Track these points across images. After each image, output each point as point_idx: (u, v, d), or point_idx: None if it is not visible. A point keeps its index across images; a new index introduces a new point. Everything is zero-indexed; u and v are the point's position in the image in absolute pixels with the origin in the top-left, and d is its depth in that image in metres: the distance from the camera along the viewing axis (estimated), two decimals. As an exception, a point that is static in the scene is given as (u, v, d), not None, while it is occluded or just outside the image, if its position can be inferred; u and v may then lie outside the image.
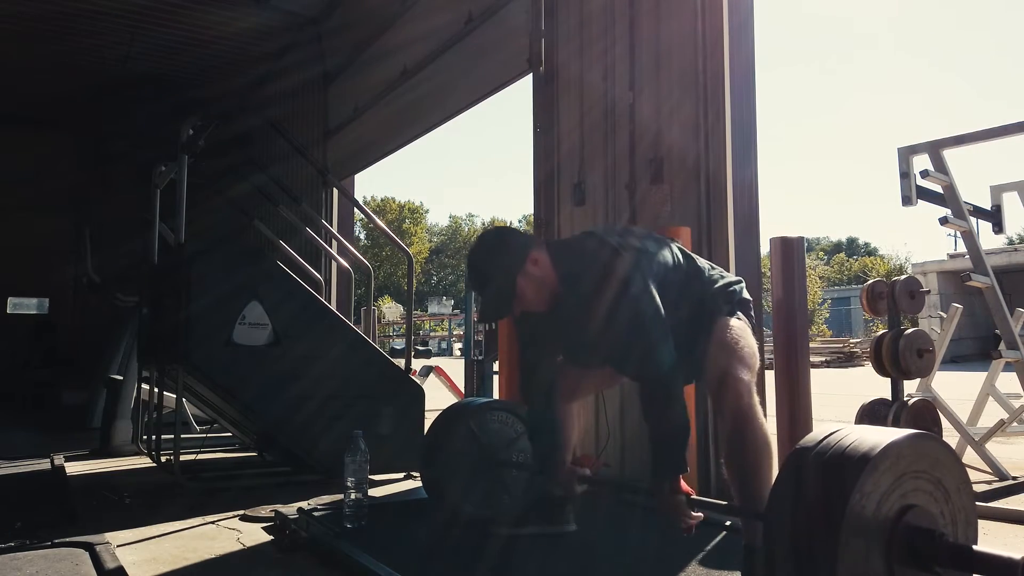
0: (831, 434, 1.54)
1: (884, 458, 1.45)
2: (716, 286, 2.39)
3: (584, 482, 2.51)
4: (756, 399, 2.16)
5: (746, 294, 2.44)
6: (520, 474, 2.91)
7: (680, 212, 3.71)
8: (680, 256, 2.41)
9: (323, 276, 6.94)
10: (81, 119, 10.21)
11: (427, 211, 62.15)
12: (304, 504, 3.05)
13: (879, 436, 1.50)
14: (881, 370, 3.62)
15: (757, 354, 2.29)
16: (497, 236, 2.43)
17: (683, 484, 2.15)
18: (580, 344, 2.41)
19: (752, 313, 2.44)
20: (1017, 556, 1.37)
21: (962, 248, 15.83)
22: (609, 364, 2.46)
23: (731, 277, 2.47)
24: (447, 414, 2.96)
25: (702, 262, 2.47)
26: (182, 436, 3.99)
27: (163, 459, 4.28)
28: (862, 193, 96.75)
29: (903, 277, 3.82)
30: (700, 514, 2.16)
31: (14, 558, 2.53)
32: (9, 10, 7.24)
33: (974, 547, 1.48)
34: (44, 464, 4.70)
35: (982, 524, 3.12)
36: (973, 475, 4.19)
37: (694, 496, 2.16)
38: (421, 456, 2.95)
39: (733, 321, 2.30)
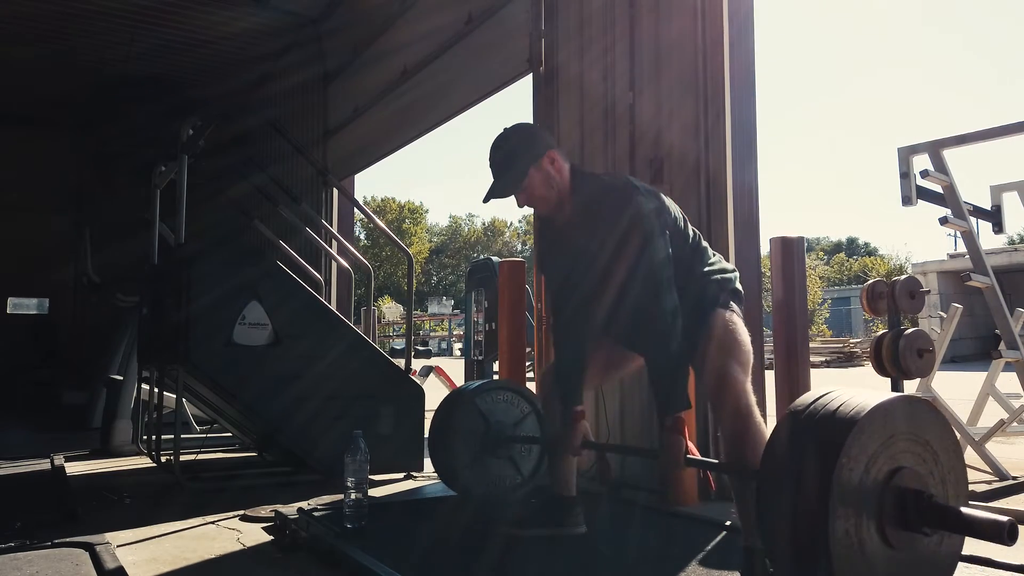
0: (821, 396, 1.56)
1: (871, 420, 1.47)
2: (714, 268, 2.39)
3: (587, 446, 2.50)
4: (753, 399, 2.18)
5: (739, 285, 2.45)
6: (529, 452, 2.92)
7: (680, 212, 3.71)
8: (690, 231, 2.43)
9: (323, 276, 6.94)
10: (81, 119, 10.21)
11: (427, 211, 62.18)
12: (304, 504, 3.05)
13: (867, 399, 1.52)
14: (881, 370, 3.60)
15: (751, 350, 2.30)
16: (524, 126, 2.54)
17: (686, 431, 2.15)
18: (588, 270, 2.39)
19: (743, 305, 2.44)
20: (1004, 518, 1.38)
21: (962, 248, 15.84)
22: (608, 299, 2.40)
23: (728, 264, 2.48)
24: (453, 396, 2.98)
25: (704, 243, 2.49)
26: (182, 436, 3.99)
27: (163, 459, 4.28)
28: (862, 193, 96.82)
29: (903, 277, 3.81)
30: (691, 457, 2.15)
31: (14, 558, 2.52)
32: (9, 10, 7.24)
33: (962, 509, 1.50)
34: (44, 464, 4.70)
35: (982, 524, 3.14)
36: (973, 475, 4.19)
37: (694, 454, 2.16)
38: (430, 438, 2.96)
39: (730, 315, 2.31)
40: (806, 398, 1.58)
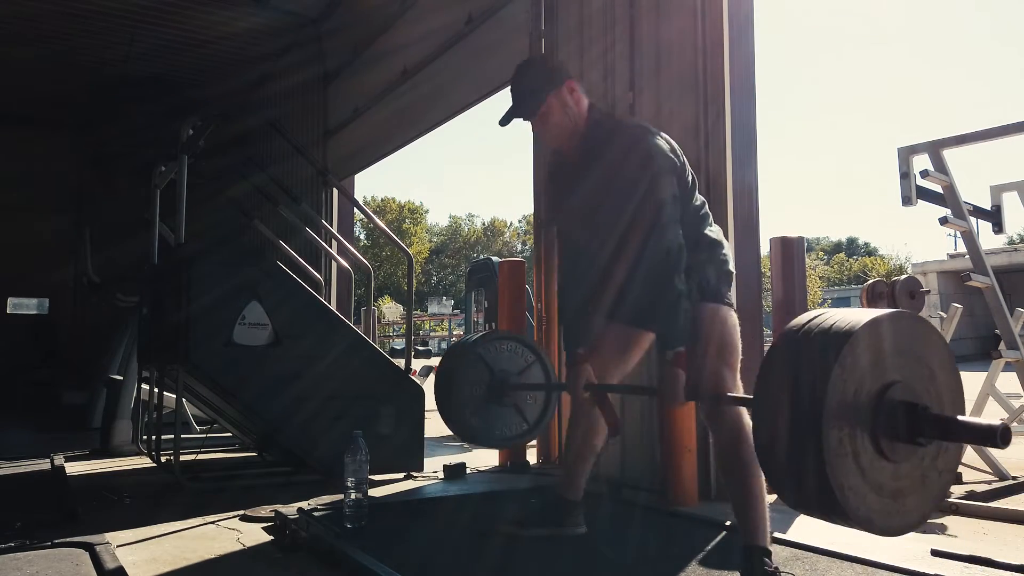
0: (816, 316, 1.58)
1: (866, 334, 1.47)
2: (714, 242, 2.36)
3: (588, 388, 2.50)
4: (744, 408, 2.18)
5: (731, 265, 2.41)
6: (535, 400, 2.93)
7: (680, 212, 3.71)
8: (699, 194, 2.43)
9: (323, 276, 6.94)
10: (81, 119, 10.21)
11: (427, 211, 62.15)
12: (304, 504, 3.05)
13: (861, 315, 1.53)
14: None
15: (740, 347, 2.30)
16: (544, 56, 2.69)
17: (686, 366, 2.13)
18: (591, 206, 2.40)
19: (733, 286, 2.41)
20: (996, 422, 1.41)
21: (962, 248, 15.83)
22: (614, 234, 2.37)
23: (725, 241, 2.44)
24: (457, 346, 2.99)
25: (708, 211, 2.47)
26: (182, 436, 3.99)
27: (163, 459, 4.28)
28: (862, 193, 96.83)
29: (903, 277, 3.83)
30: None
31: (14, 558, 2.52)
32: (9, 10, 7.24)
33: (956, 417, 1.51)
34: (44, 464, 4.70)
35: (982, 524, 3.14)
36: (973, 475, 4.19)
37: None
38: (435, 387, 2.97)
39: (722, 312, 2.29)
40: (801, 318, 1.59)
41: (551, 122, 2.42)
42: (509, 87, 2.50)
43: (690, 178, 2.37)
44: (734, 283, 2.40)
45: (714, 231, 2.40)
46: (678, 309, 2.15)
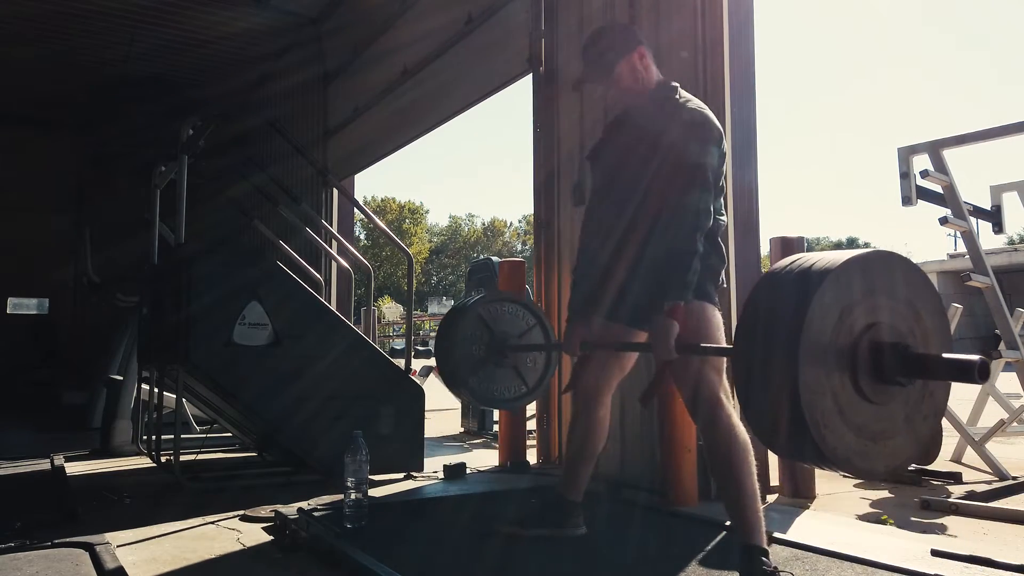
0: (799, 258, 1.54)
1: (845, 272, 1.43)
2: (713, 237, 2.34)
3: (584, 347, 2.50)
4: (726, 401, 2.19)
5: (720, 253, 2.37)
6: (535, 363, 2.93)
7: (680, 212, 3.71)
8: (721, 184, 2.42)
9: (323, 276, 6.94)
10: (81, 119, 10.22)
11: (427, 211, 62.19)
12: (304, 504, 3.05)
13: (843, 254, 1.48)
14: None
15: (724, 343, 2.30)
16: (623, 25, 2.91)
17: (682, 319, 2.12)
18: (634, 160, 2.40)
19: (722, 277, 2.39)
20: (975, 357, 1.39)
21: (962, 248, 15.83)
22: (636, 192, 2.39)
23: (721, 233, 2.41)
24: (458, 306, 2.99)
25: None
26: (182, 436, 3.99)
27: (163, 459, 4.28)
28: (862, 193, 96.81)
29: (903, 277, 3.82)
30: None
31: (14, 558, 2.52)
32: (9, 10, 7.24)
33: (933, 353, 1.47)
34: (44, 464, 4.70)
35: (982, 524, 3.14)
36: (973, 475, 4.19)
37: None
38: (435, 346, 2.98)
39: (710, 311, 2.28)
40: (784, 260, 1.55)
41: (621, 86, 2.48)
42: (584, 46, 2.58)
43: (723, 173, 2.37)
44: (732, 283, 2.40)
45: (721, 218, 2.39)
46: (689, 263, 2.13)
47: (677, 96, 2.40)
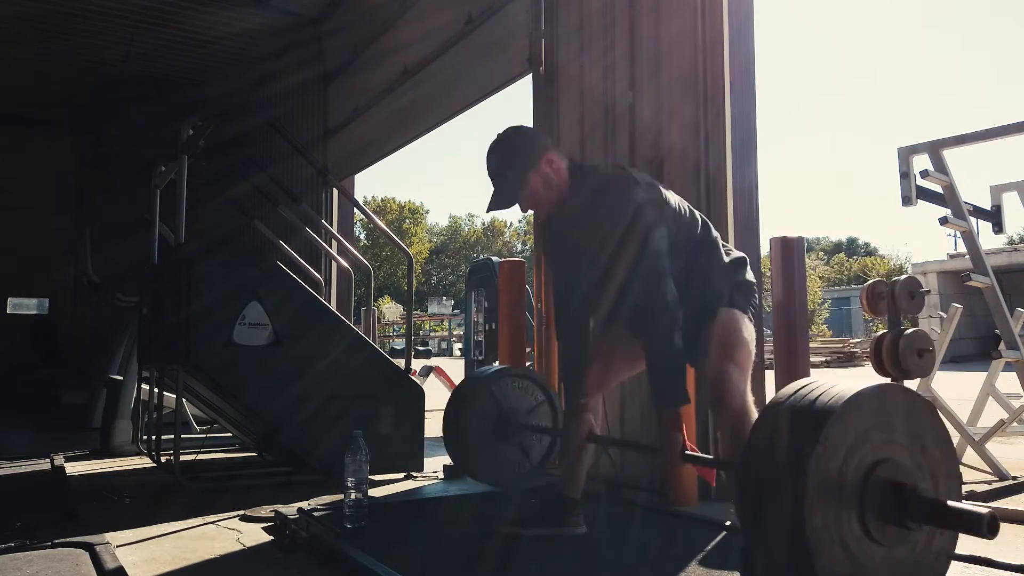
0: (803, 387, 1.51)
1: (851, 408, 1.40)
2: (723, 264, 2.39)
3: (592, 439, 2.50)
4: (750, 402, 2.19)
5: (750, 275, 2.44)
6: (540, 440, 2.92)
7: (680, 212, 3.71)
8: (698, 218, 2.44)
9: (323, 276, 6.94)
10: (81, 119, 10.21)
11: (427, 211, 62.20)
12: (304, 504, 3.05)
13: (847, 387, 1.45)
14: (881, 370, 3.59)
15: (753, 351, 2.30)
16: (517, 132, 2.49)
17: (683, 428, 2.14)
18: (591, 262, 2.40)
19: (755, 296, 2.44)
20: (984, 509, 1.36)
21: (962, 248, 15.82)
22: (611, 293, 2.41)
23: (737, 255, 2.47)
24: (470, 380, 2.98)
25: (715, 232, 2.49)
26: (182, 436, 3.99)
27: (163, 459, 4.28)
28: (862, 193, 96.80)
29: (903, 277, 3.81)
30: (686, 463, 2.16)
31: (14, 558, 2.52)
32: (9, 10, 7.24)
33: (947, 502, 1.43)
34: (44, 464, 4.69)
35: (982, 524, 3.13)
36: (973, 475, 4.19)
37: (692, 450, 2.15)
38: (444, 418, 2.98)
39: (732, 314, 2.30)
40: (787, 389, 1.53)
41: (537, 200, 2.41)
42: (487, 168, 2.45)
43: (684, 211, 2.38)
44: (756, 293, 2.42)
45: (730, 256, 2.42)
46: (676, 367, 2.17)
47: (603, 182, 2.34)
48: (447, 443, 2.99)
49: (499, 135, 2.48)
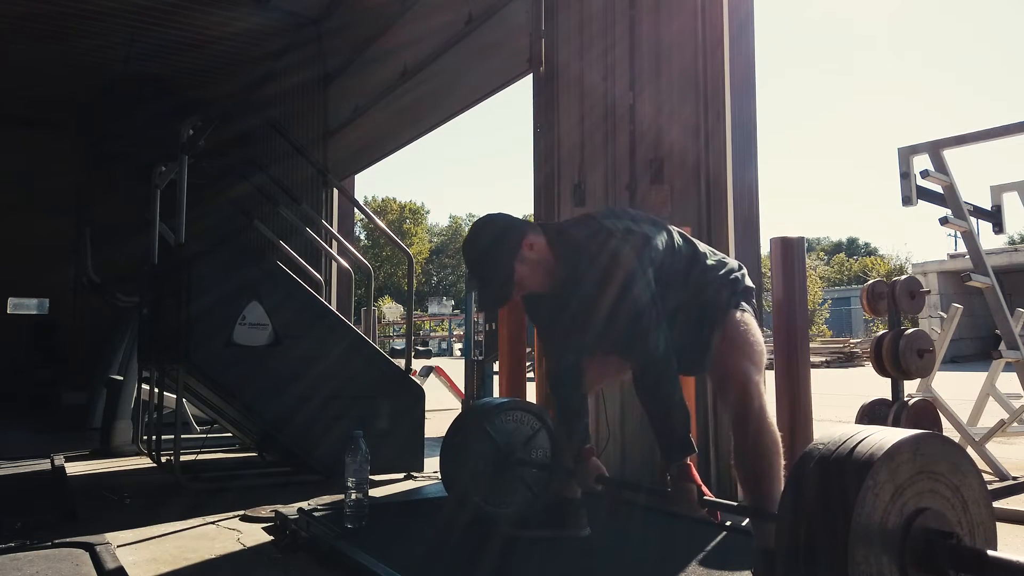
0: (842, 435, 1.49)
1: (896, 454, 1.40)
2: (719, 274, 2.38)
3: (601, 481, 2.49)
4: (765, 399, 2.17)
5: (748, 281, 2.44)
6: (540, 472, 2.90)
7: (680, 212, 3.71)
8: (680, 241, 2.40)
9: (323, 276, 6.94)
10: (81, 119, 10.21)
11: (428, 211, 62.20)
12: (304, 504, 3.05)
13: (890, 435, 1.44)
14: (881, 370, 3.62)
15: (764, 350, 2.29)
16: (491, 222, 2.36)
17: (695, 475, 2.12)
18: (579, 325, 2.38)
19: (754, 301, 2.44)
20: None
21: (962, 248, 15.83)
22: (605, 345, 2.44)
23: (732, 263, 2.46)
24: (461, 419, 2.97)
25: (703, 247, 2.46)
26: (182, 436, 3.99)
27: (163, 459, 4.28)
28: (862, 193, 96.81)
29: (903, 277, 3.82)
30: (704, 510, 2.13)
31: (14, 558, 2.52)
32: (9, 10, 7.24)
33: (989, 552, 1.41)
34: (44, 464, 4.70)
35: (982, 524, 3.13)
36: (973, 475, 4.19)
37: (708, 496, 2.12)
38: (441, 460, 2.96)
39: (741, 316, 2.29)
40: (825, 436, 1.52)
41: (526, 283, 2.33)
42: (473, 264, 2.39)
43: (672, 244, 2.34)
44: (756, 295, 2.43)
45: (713, 266, 2.39)
46: (679, 420, 2.15)
47: (581, 246, 2.29)
48: (446, 486, 2.97)
49: (470, 234, 2.38)
